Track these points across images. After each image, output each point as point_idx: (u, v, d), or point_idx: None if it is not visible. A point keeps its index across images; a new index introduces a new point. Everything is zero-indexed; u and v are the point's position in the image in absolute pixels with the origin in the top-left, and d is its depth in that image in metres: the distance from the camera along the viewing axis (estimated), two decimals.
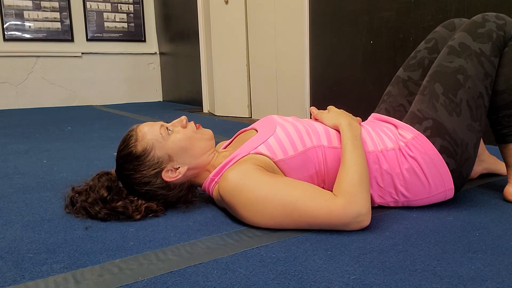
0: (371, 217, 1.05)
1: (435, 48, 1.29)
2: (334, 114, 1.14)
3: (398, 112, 1.29)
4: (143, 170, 1.07)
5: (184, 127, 1.12)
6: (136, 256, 0.87)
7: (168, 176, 1.09)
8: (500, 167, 1.45)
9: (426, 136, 1.08)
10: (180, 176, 1.10)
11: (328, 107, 1.21)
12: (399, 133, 1.13)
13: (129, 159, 1.08)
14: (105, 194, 1.08)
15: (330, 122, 1.13)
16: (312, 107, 1.22)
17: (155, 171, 1.08)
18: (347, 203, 0.93)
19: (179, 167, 1.10)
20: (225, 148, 1.29)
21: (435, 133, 1.07)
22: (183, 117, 1.13)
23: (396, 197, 1.11)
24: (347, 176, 0.97)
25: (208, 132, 1.16)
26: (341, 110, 1.17)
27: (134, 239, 0.97)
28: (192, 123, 1.15)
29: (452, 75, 1.11)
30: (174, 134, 1.10)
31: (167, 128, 1.10)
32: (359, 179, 0.96)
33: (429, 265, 0.80)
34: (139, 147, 1.07)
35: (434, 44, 1.30)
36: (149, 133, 1.08)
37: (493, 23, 1.13)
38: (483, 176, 1.45)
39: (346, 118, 1.11)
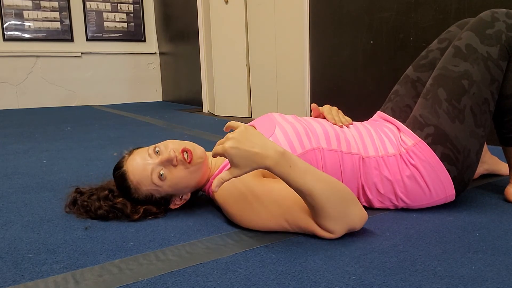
0: (371, 217, 1.06)
1: None
2: (242, 161, 0.84)
3: (404, 112, 1.26)
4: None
5: (176, 165, 1.04)
6: (136, 256, 0.87)
7: (175, 204, 1.13)
8: (501, 167, 1.44)
9: (427, 143, 1.06)
10: (186, 200, 1.14)
11: (323, 106, 1.21)
12: (401, 138, 1.10)
13: (134, 200, 1.10)
14: (107, 193, 1.10)
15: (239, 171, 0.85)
16: (313, 104, 1.20)
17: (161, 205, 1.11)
18: (338, 234, 0.91)
19: (182, 196, 1.12)
20: None
21: (437, 140, 1.05)
22: (172, 155, 1.02)
23: (396, 202, 1.10)
24: (324, 218, 0.88)
25: (199, 157, 1.06)
26: (237, 142, 0.84)
27: (134, 240, 0.96)
28: (182, 156, 1.04)
29: (456, 80, 1.07)
30: (168, 176, 1.04)
31: (159, 173, 1.02)
32: (337, 210, 0.87)
33: (429, 265, 0.80)
34: (141, 196, 1.07)
35: (447, 45, 1.25)
36: (143, 183, 1.04)
37: (502, 22, 1.08)
38: (484, 176, 1.45)
39: (263, 157, 0.83)
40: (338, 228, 0.89)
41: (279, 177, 0.86)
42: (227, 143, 0.84)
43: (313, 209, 0.88)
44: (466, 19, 1.28)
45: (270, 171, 0.85)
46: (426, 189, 1.07)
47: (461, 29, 1.25)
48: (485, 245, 0.89)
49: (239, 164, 0.83)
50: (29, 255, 0.89)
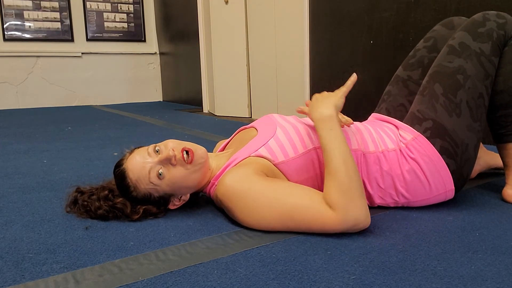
0: (371, 217, 1.05)
1: (434, 47, 1.28)
2: (309, 108, 1.06)
3: (399, 111, 1.29)
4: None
5: (174, 164, 1.04)
6: (136, 256, 0.87)
7: (173, 204, 1.12)
8: (498, 161, 1.44)
9: (426, 137, 1.07)
10: (185, 200, 1.13)
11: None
12: (400, 134, 1.12)
13: (133, 199, 1.09)
14: (107, 193, 1.09)
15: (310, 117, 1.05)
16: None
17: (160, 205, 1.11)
18: (342, 216, 0.90)
19: (181, 196, 1.12)
20: (224, 146, 1.29)
21: (435, 134, 1.07)
22: (171, 153, 1.02)
23: (397, 198, 1.11)
24: (335, 183, 0.91)
25: (201, 157, 1.07)
26: (318, 97, 1.07)
27: (134, 239, 0.97)
28: (181, 155, 1.04)
29: (452, 75, 1.10)
30: (167, 176, 1.04)
31: (158, 171, 1.03)
32: (348, 184, 0.91)
33: (429, 265, 0.80)
34: (140, 195, 1.06)
35: (433, 43, 1.29)
36: (141, 182, 1.04)
37: (493, 22, 1.13)
38: (483, 176, 1.45)
39: (317, 111, 1.02)
40: (342, 205, 0.89)
41: (317, 129, 1.01)
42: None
43: (327, 167, 0.95)
44: (450, 18, 1.33)
45: (313, 122, 1.02)
46: (426, 183, 1.07)
47: (446, 27, 1.30)
48: (484, 245, 0.89)
49: (314, 106, 1.04)
50: (30, 255, 0.89)
